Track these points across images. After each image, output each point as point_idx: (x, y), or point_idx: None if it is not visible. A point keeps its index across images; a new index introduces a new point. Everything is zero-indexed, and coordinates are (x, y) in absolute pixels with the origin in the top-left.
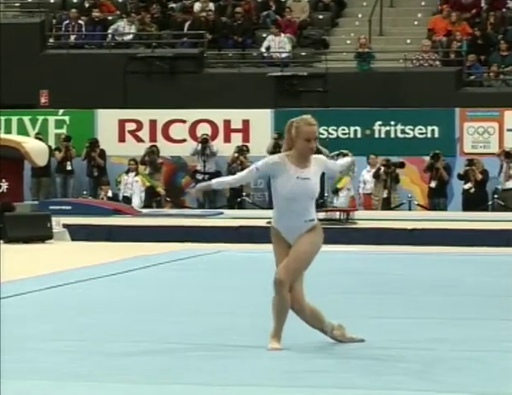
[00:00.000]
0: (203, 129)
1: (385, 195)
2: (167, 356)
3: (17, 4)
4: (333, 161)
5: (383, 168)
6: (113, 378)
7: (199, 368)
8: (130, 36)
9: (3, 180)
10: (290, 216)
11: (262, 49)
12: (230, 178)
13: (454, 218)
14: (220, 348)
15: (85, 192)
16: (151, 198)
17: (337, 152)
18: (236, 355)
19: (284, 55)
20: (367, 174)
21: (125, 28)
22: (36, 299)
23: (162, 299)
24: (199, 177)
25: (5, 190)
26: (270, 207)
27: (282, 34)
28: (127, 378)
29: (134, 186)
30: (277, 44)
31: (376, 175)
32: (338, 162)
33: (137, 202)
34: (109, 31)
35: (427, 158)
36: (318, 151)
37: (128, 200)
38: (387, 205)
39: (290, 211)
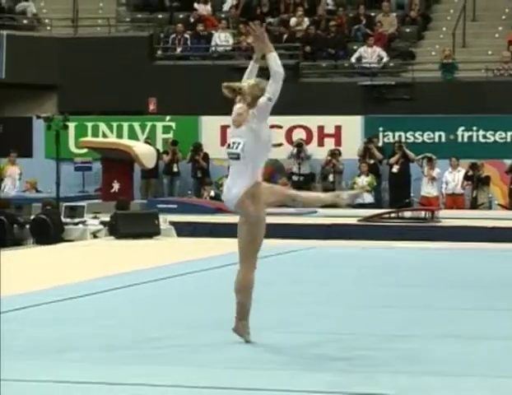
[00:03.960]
0: (299, 134)
1: (474, 195)
2: (268, 345)
3: (128, 19)
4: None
5: (470, 170)
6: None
7: (310, 354)
8: (230, 48)
9: (115, 181)
10: None
11: (353, 60)
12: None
13: None
14: (320, 336)
15: (189, 192)
16: None
17: (422, 156)
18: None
19: (375, 65)
20: (449, 176)
21: (220, 37)
22: (145, 290)
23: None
24: (295, 178)
25: (117, 190)
26: (360, 207)
27: (375, 46)
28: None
29: None
30: (370, 54)
31: (466, 177)
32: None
33: None
34: (212, 44)
35: (507, 161)
36: (405, 155)
37: None
38: (474, 204)
39: None
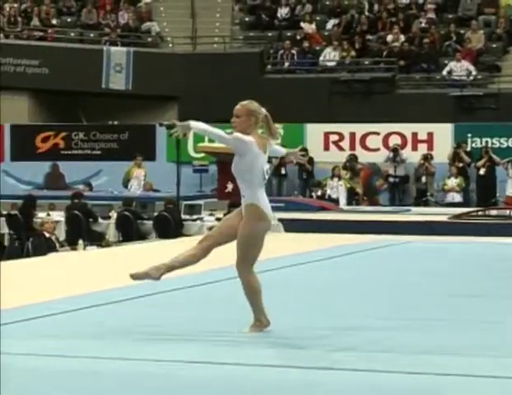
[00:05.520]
0: (394, 140)
1: None
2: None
3: (241, 37)
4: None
5: None
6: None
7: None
8: (334, 63)
9: (229, 182)
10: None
11: (444, 73)
12: (211, 129)
13: None
14: (410, 322)
15: (296, 192)
16: (351, 197)
17: (507, 159)
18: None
19: (464, 78)
20: None
21: (330, 54)
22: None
23: (359, 280)
24: (391, 180)
25: (230, 190)
26: (450, 206)
27: (463, 61)
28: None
29: (339, 189)
30: (459, 68)
31: None
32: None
33: (342, 202)
34: (320, 59)
35: None
36: (491, 159)
37: (334, 201)
38: None
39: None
